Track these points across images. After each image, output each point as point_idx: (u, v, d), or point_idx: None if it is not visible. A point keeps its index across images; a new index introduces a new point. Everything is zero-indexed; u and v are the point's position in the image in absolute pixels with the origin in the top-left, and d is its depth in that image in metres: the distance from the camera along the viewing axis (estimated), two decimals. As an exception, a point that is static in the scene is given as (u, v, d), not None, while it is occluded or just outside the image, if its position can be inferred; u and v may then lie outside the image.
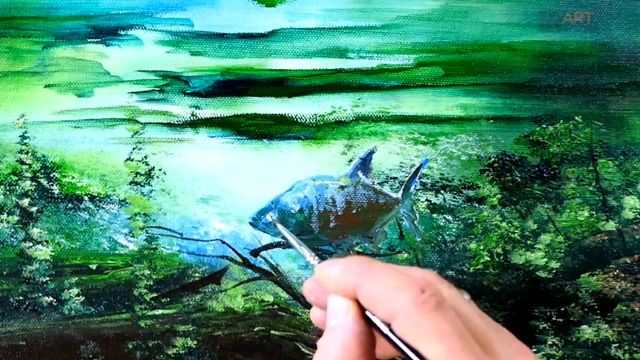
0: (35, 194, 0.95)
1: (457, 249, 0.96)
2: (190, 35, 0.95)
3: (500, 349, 0.37)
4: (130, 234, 0.95)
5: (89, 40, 0.95)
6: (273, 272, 0.96)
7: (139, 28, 0.95)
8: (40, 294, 0.94)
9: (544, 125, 0.95)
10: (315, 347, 0.44)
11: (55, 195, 0.95)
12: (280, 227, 0.60)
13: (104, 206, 0.96)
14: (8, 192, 0.95)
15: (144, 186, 0.95)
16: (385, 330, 0.40)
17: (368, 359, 0.41)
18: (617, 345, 0.93)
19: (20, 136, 0.94)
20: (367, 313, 0.42)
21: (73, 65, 0.95)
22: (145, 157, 0.95)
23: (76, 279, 0.95)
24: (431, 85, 0.95)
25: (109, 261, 0.96)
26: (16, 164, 0.95)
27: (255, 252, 0.96)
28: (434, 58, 0.95)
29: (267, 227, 0.91)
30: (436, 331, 0.36)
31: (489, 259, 0.95)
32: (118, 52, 0.95)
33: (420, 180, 0.95)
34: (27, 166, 0.95)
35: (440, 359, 0.35)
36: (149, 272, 0.95)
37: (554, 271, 0.94)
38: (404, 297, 0.38)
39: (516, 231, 0.95)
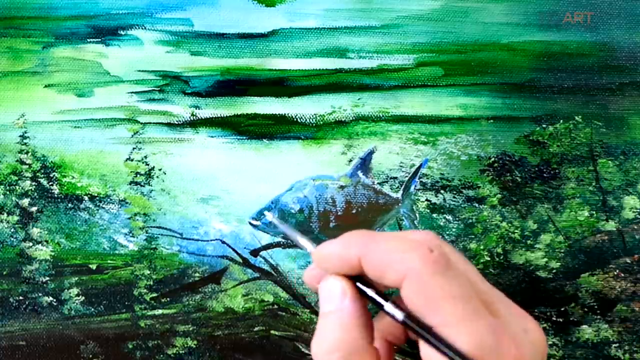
0: (35, 194, 0.95)
1: (457, 249, 0.95)
2: (190, 35, 0.95)
3: (504, 311, 0.38)
4: (130, 234, 0.95)
5: (89, 40, 0.95)
6: (273, 272, 0.96)
7: (139, 28, 0.95)
8: (40, 294, 0.94)
9: (544, 125, 0.95)
10: (315, 347, 0.45)
11: (55, 195, 0.95)
12: (276, 221, 0.59)
13: (104, 206, 0.96)
14: (8, 192, 0.95)
15: (144, 186, 0.95)
16: (386, 304, 0.40)
17: (369, 342, 0.41)
18: (617, 345, 0.93)
19: (20, 136, 0.94)
20: (366, 289, 0.41)
21: (73, 65, 0.95)
22: (145, 157, 0.95)
23: (76, 279, 0.95)
24: (431, 85, 0.95)
25: (109, 261, 0.96)
26: (16, 164, 0.95)
27: (255, 252, 0.96)
28: (434, 58, 0.95)
29: (267, 227, 0.91)
30: (448, 294, 0.36)
31: (489, 259, 0.95)
32: (118, 52, 0.95)
33: (420, 180, 0.95)
34: (27, 166, 0.95)
35: (451, 321, 0.36)
36: (149, 272, 0.95)
37: (554, 271, 0.94)
38: (413, 257, 0.38)
39: (516, 231, 0.95)
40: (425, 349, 0.37)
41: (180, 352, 0.94)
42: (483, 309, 0.37)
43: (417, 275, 0.37)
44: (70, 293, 0.95)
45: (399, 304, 0.40)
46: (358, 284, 0.42)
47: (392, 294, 0.41)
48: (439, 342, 0.35)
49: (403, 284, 0.38)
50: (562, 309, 0.94)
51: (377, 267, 0.40)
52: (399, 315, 0.39)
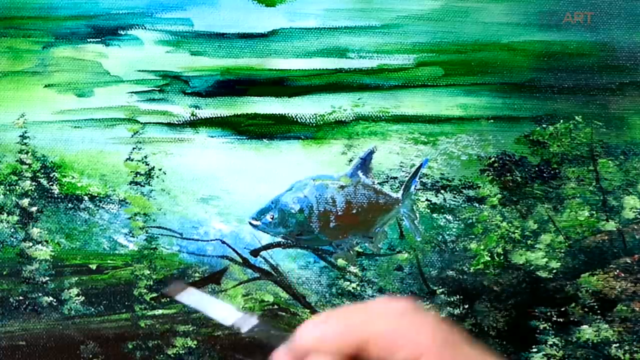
0: (35, 194, 0.95)
1: (458, 249, 0.95)
2: (190, 35, 0.95)
3: None
4: (130, 234, 0.95)
5: (89, 40, 0.95)
6: (273, 272, 0.96)
7: (139, 28, 0.95)
8: (40, 294, 0.94)
9: (544, 125, 0.95)
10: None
11: (55, 195, 0.95)
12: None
13: (104, 206, 0.96)
14: (8, 192, 0.95)
15: (144, 186, 0.95)
16: None
17: None
18: (617, 345, 0.93)
19: (20, 136, 0.94)
20: None
21: (73, 65, 0.95)
22: (145, 157, 0.95)
23: (76, 279, 0.95)
24: (431, 85, 0.95)
25: (109, 261, 0.96)
26: (16, 164, 0.95)
27: (255, 252, 0.96)
28: (434, 58, 0.95)
29: (267, 227, 0.91)
30: None
31: (489, 259, 0.95)
32: (118, 52, 0.95)
33: (421, 180, 0.95)
34: (27, 166, 0.95)
35: None
36: (149, 272, 0.95)
37: (554, 271, 0.94)
38: (425, 338, 0.39)
39: (516, 231, 0.95)
40: None
41: (180, 352, 0.94)
42: None
43: (432, 355, 0.38)
44: (70, 293, 0.95)
45: None
46: None
47: None
48: None
49: None
50: (562, 309, 0.94)
51: (388, 348, 0.39)
52: None
